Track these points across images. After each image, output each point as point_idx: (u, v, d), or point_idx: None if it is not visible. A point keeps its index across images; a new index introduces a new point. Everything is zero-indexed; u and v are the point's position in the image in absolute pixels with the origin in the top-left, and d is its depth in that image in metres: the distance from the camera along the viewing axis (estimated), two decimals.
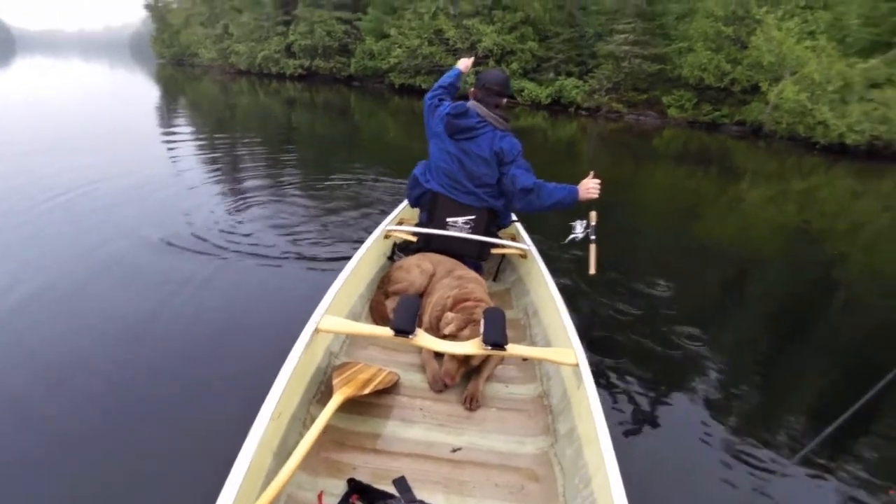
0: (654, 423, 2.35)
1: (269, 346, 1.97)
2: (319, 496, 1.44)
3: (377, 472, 1.57)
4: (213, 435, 1.93)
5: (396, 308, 1.82)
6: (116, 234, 4.04)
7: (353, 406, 1.77)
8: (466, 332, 1.96)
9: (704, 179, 9.64)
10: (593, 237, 2.46)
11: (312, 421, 1.50)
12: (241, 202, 5.08)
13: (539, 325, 2.41)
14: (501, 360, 2.09)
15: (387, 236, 2.94)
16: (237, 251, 3.79)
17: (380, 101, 19.57)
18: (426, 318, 2.23)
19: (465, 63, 3.08)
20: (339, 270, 2.30)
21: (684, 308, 3.52)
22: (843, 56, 12.79)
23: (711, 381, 2.72)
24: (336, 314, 1.99)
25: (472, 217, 2.72)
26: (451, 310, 2.11)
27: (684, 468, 2.14)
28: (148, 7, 40.51)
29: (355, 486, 1.47)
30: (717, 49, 15.21)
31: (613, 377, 2.62)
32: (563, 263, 3.67)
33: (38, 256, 3.59)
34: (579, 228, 2.51)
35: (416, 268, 2.50)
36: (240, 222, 4.48)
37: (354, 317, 2.37)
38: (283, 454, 1.46)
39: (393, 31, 21.38)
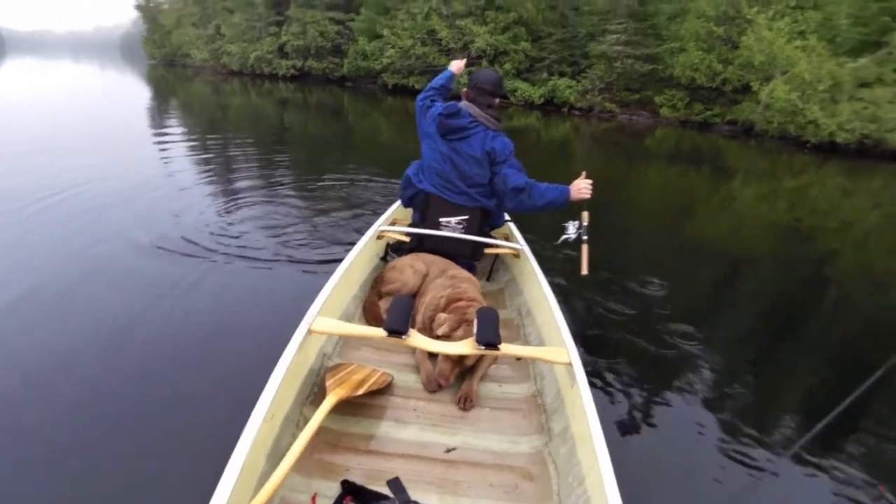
0: (647, 421, 2.36)
1: (261, 349, 1.95)
2: (313, 498, 1.43)
3: (371, 474, 1.56)
4: (205, 438, 1.92)
5: (389, 308, 1.82)
6: (106, 236, 4.00)
7: (346, 407, 1.76)
8: (460, 332, 1.96)
9: (696, 178, 9.70)
10: (585, 237, 2.46)
11: (306, 422, 1.49)
12: (233, 203, 5.05)
13: (532, 325, 2.42)
14: (495, 359, 2.09)
15: (380, 237, 2.93)
16: (229, 253, 3.76)
17: (373, 101, 19.54)
18: (419, 319, 2.22)
19: (457, 65, 3.09)
20: (332, 271, 2.30)
21: (677, 307, 3.54)
22: (833, 56, 12.93)
23: (704, 379, 2.74)
24: (329, 315, 1.98)
25: (465, 217, 2.72)
26: (443, 310, 2.11)
27: (677, 465, 2.15)
28: (139, 7, 40.20)
29: (349, 488, 1.46)
30: (708, 49, 15.33)
31: (607, 376, 2.63)
32: (557, 263, 3.67)
33: (26, 258, 3.56)
34: (572, 229, 2.51)
35: (410, 268, 2.50)
36: (231, 224, 4.44)
37: (348, 318, 2.36)
38: (276, 456, 1.45)
39: (386, 32, 21.38)
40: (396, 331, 1.73)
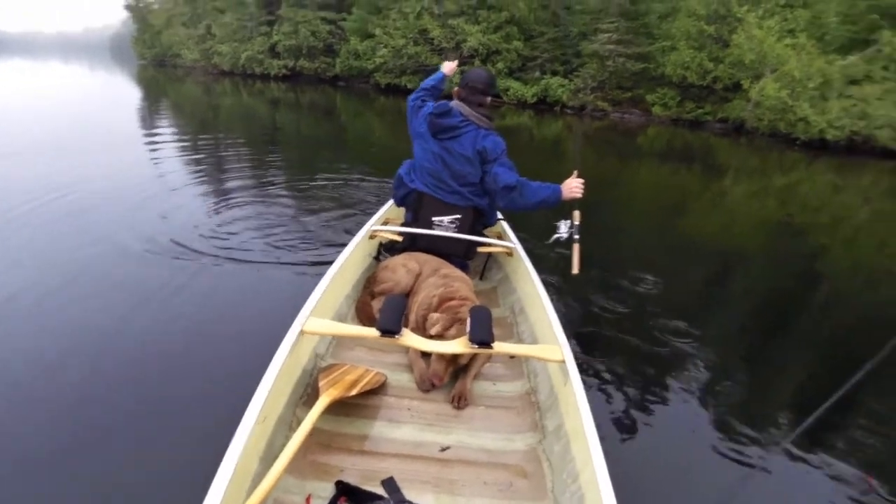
0: (640, 418, 2.37)
1: (253, 351, 1.93)
2: (307, 499, 1.43)
3: (366, 474, 1.56)
4: (196, 442, 1.90)
5: (382, 308, 1.81)
6: (93, 238, 3.96)
7: (340, 408, 1.75)
8: (452, 331, 1.96)
9: (688, 176, 9.75)
10: (577, 237, 2.47)
11: (299, 424, 1.48)
12: (224, 204, 5.02)
13: (526, 323, 2.42)
14: (489, 358, 2.09)
15: (372, 236, 2.93)
16: (219, 254, 3.73)
17: (365, 100, 19.50)
18: (413, 318, 2.22)
19: (449, 66, 3.10)
20: (324, 272, 2.29)
21: (669, 304, 3.56)
22: (823, 53, 13.05)
23: (696, 375, 2.75)
24: (321, 316, 1.98)
25: (458, 216, 2.71)
26: (436, 309, 2.10)
27: (670, 461, 2.16)
28: (128, 7, 39.91)
29: (343, 489, 1.46)
30: (699, 47, 15.42)
31: (600, 373, 2.64)
32: (549, 261, 3.68)
33: (10, 262, 3.51)
34: (563, 228, 2.51)
35: (402, 267, 2.49)
36: (222, 224, 4.41)
37: (340, 318, 2.35)
38: (269, 458, 1.44)
39: (378, 31, 21.33)
40: (389, 330, 1.73)
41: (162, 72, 32.00)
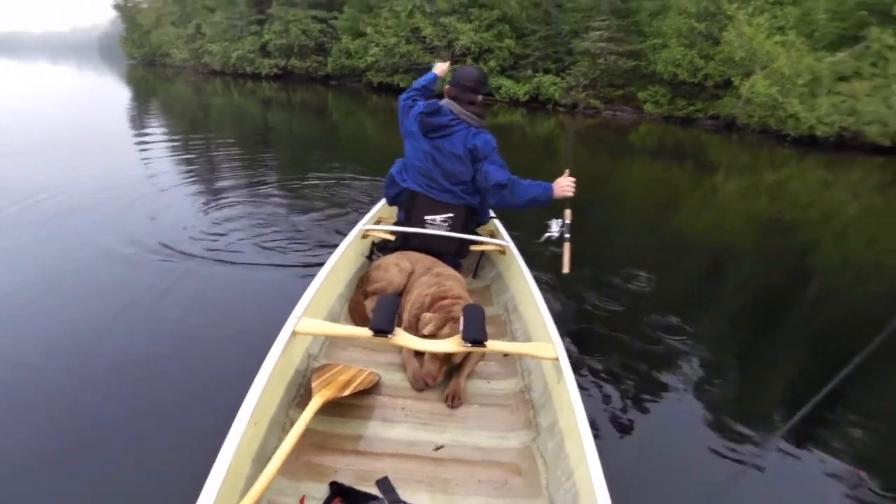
0: (633, 414, 2.38)
1: (246, 352, 1.91)
2: (301, 501, 1.42)
3: (360, 474, 1.55)
4: (188, 446, 1.87)
5: (375, 308, 1.81)
6: (79, 240, 3.89)
7: (333, 408, 1.75)
8: (445, 330, 1.96)
9: (680, 173, 9.80)
10: (567, 236, 2.47)
11: (292, 425, 1.47)
12: (214, 205, 4.97)
13: (519, 321, 2.42)
14: (482, 356, 2.09)
15: (365, 236, 2.92)
16: (209, 256, 3.68)
17: (357, 99, 19.45)
18: (406, 317, 2.22)
19: (441, 67, 3.12)
20: (317, 272, 2.28)
21: (661, 301, 3.58)
22: (812, 50, 13.14)
23: (688, 371, 2.77)
24: (314, 316, 1.97)
25: (451, 215, 2.71)
26: (428, 309, 2.10)
27: (663, 456, 2.17)
28: (117, 7, 39.52)
29: (338, 489, 1.45)
30: (690, 45, 15.49)
31: (593, 370, 2.65)
32: (543, 259, 3.68)
33: None
34: (555, 227, 2.52)
35: (395, 266, 2.49)
36: (212, 225, 4.36)
37: (333, 318, 2.34)
38: (262, 460, 1.43)
39: (369, 30, 21.25)
40: (382, 330, 1.72)
41: (151, 72, 31.73)
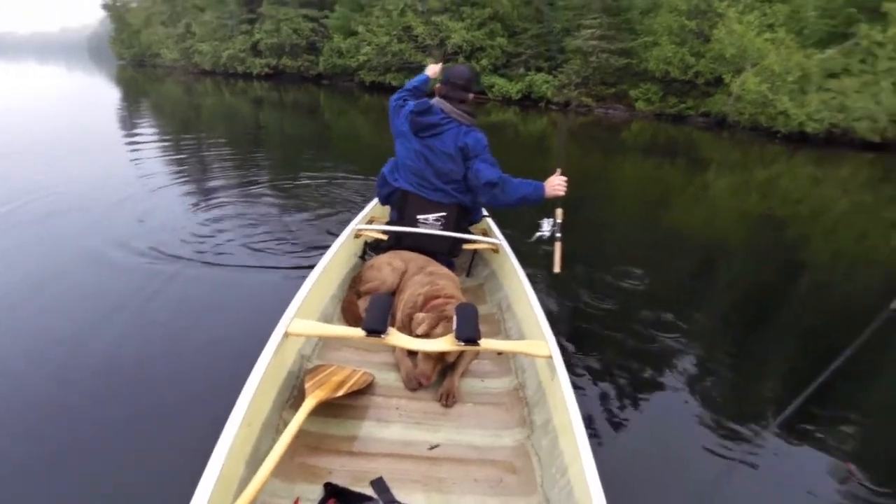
0: (627, 411, 2.39)
1: (238, 354, 1.89)
2: (295, 502, 1.41)
3: (354, 475, 1.55)
4: (179, 448, 1.86)
5: (368, 308, 1.80)
6: (70, 243, 3.86)
7: (327, 409, 1.74)
8: (439, 329, 1.95)
9: (671, 171, 9.84)
10: (559, 235, 2.48)
11: (285, 426, 1.47)
12: (205, 205, 4.93)
13: (513, 319, 2.42)
14: (476, 355, 2.09)
15: (357, 235, 2.91)
16: (200, 258, 3.64)
17: (349, 99, 19.39)
18: (399, 316, 2.21)
19: (433, 69, 3.14)
20: (309, 272, 2.27)
21: (654, 298, 3.59)
22: (802, 47, 13.24)
23: (681, 367, 2.78)
24: (307, 316, 1.96)
25: (443, 214, 2.71)
26: (421, 308, 2.10)
27: (656, 453, 2.18)
28: (106, 7, 39.15)
29: (332, 490, 1.45)
30: (681, 43, 15.58)
31: (586, 367, 2.65)
32: (536, 257, 3.68)
33: None
34: (546, 226, 2.52)
35: (388, 266, 2.48)
36: (204, 226, 4.32)
37: (326, 318, 2.34)
38: (255, 462, 1.42)
39: (361, 29, 21.18)
40: (375, 330, 1.72)
41: (141, 72, 31.45)
